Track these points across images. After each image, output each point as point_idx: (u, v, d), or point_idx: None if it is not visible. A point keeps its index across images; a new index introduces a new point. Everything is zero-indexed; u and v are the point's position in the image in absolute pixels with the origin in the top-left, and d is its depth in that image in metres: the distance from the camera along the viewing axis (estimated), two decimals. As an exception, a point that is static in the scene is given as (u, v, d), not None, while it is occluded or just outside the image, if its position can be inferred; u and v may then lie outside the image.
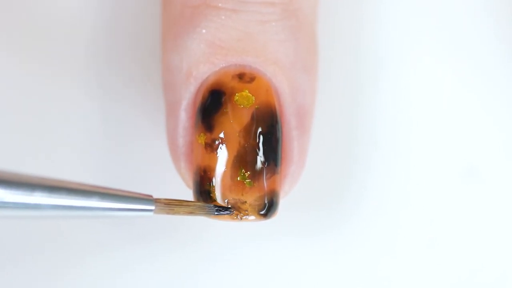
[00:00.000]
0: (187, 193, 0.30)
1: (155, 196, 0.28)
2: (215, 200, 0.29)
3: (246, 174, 0.28)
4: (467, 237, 0.32)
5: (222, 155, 0.28)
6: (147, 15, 0.33)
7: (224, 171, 0.28)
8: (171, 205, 0.28)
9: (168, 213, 0.28)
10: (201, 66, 0.29)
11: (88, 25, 0.33)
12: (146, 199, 0.27)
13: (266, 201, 0.29)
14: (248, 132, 0.29)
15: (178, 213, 0.28)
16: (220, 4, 0.29)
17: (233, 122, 0.28)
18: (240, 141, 0.28)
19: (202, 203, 0.29)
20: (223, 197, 0.29)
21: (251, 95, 0.29)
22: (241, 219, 0.29)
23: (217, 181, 0.29)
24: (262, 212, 0.29)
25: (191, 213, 0.28)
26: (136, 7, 0.33)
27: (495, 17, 0.32)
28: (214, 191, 0.29)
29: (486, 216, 0.32)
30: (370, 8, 0.33)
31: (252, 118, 0.29)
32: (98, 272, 0.32)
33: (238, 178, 0.28)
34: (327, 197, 0.32)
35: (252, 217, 0.29)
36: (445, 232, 0.32)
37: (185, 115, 0.30)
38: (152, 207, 0.27)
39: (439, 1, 0.32)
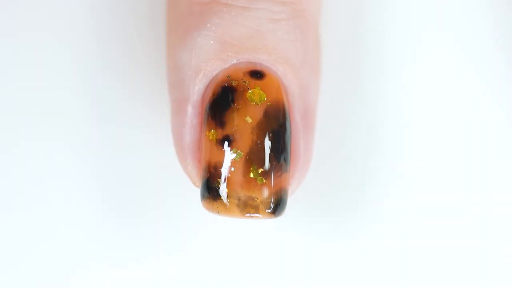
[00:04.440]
0: (192, 191, 0.30)
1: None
2: (225, 197, 0.28)
3: (259, 171, 0.28)
4: (473, 239, 0.32)
5: (234, 151, 0.28)
6: (150, 13, 0.33)
7: (236, 168, 0.28)
8: None
9: None
10: (212, 62, 0.29)
11: (89, 23, 0.32)
12: None
13: (276, 199, 0.29)
14: (261, 129, 0.28)
15: None
16: (230, 1, 0.29)
17: (246, 119, 0.28)
18: (253, 138, 0.28)
19: None
20: (234, 193, 0.28)
21: (263, 92, 0.29)
22: (251, 216, 0.29)
23: (228, 178, 0.28)
24: (270, 210, 0.29)
25: None
26: (139, 4, 0.33)
27: (495, 16, 0.33)
28: (225, 188, 0.28)
29: (492, 217, 0.33)
30: (371, 7, 0.33)
31: (265, 115, 0.29)
32: (97, 272, 0.32)
33: (251, 175, 0.28)
34: (329, 196, 0.33)
35: (262, 215, 0.29)
36: (450, 234, 0.33)
37: (193, 112, 0.29)
38: None
39: (440, 0, 0.33)
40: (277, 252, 0.32)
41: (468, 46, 0.33)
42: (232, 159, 0.28)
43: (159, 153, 0.32)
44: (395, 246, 0.33)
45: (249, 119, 0.28)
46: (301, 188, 0.30)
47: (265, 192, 0.28)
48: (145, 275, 0.32)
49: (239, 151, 0.28)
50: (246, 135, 0.28)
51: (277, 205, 0.29)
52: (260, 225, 0.32)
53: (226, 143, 0.28)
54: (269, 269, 0.33)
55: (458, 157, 0.33)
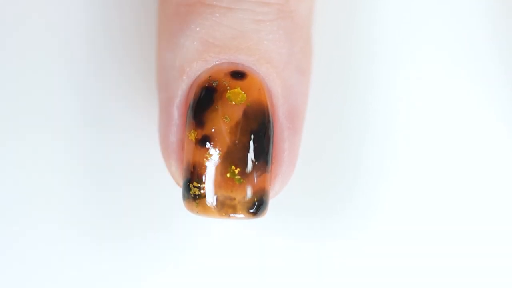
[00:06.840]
0: (177, 192, 0.30)
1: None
2: (204, 197, 0.28)
3: (236, 171, 0.28)
4: (470, 241, 0.32)
5: (212, 151, 0.28)
6: (143, 13, 0.33)
7: (214, 168, 0.28)
8: None
9: None
10: (194, 63, 0.29)
11: (82, 23, 0.33)
12: None
13: (255, 199, 0.29)
14: (239, 129, 0.28)
15: None
16: (214, 2, 0.29)
17: (224, 119, 0.28)
18: (231, 138, 0.28)
19: None
20: (213, 193, 0.28)
21: (243, 92, 0.29)
22: (230, 216, 0.29)
23: (207, 177, 0.28)
24: (251, 211, 0.29)
25: None
26: (132, 5, 0.33)
27: (490, 14, 0.32)
28: (203, 188, 0.28)
29: (490, 215, 0.32)
30: (364, 9, 0.33)
31: (244, 115, 0.28)
32: (96, 272, 0.32)
33: (228, 175, 0.28)
34: (315, 198, 0.32)
35: (241, 215, 0.29)
36: (444, 237, 0.32)
37: (177, 112, 0.29)
38: None
39: (433, 1, 0.33)
40: (263, 254, 0.32)
41: (461, 46, 0.32)
42: (210, 159, 0.28)
43: (148, 153, 0.32)
44: (383, 248, 0.32)
45: (227, 119, 0.28)
46: (287, 190, 0.30)
47: (243, 192, 0.28)
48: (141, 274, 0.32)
49: (217, 151, 0.28)
50: (224, 135, 0.28)
51: (258, 206, 0.29)
52: (244, 227, 0.32)
53: (204, 143, 0.28)
54: (256, 271, 0.32)
55: (451, 161, 0.32)
